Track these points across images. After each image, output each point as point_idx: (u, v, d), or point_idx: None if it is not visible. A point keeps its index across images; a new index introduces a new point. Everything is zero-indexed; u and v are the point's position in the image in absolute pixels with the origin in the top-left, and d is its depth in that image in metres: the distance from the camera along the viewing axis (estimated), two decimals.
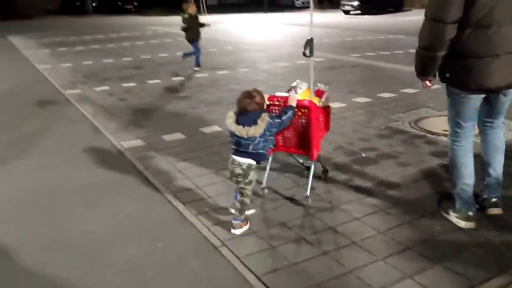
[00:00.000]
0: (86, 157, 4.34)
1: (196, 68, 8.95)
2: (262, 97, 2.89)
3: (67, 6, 32.48)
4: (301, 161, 3.73)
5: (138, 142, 4.70)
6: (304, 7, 35.74)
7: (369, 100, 6.19)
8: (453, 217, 2.90)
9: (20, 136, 5.08)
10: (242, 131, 2.73)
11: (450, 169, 2.98)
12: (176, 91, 7.23)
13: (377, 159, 4.07)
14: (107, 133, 5.04)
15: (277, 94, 3.23)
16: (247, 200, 2.92)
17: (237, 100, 2.84)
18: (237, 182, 2.89)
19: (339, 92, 6.48)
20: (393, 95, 6.33)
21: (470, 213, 2.84)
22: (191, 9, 8.97)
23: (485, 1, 2.41)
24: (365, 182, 3.58)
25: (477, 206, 2.94)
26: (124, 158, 4.29)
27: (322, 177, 3.64)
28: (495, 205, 2.94)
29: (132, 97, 6.80)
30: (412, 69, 2.90)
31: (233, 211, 2.90)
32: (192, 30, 8.96)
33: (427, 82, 2.81)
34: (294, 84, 3.29)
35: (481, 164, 2.98)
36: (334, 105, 5.50)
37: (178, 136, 4.89)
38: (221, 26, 20.17)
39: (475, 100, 2.70)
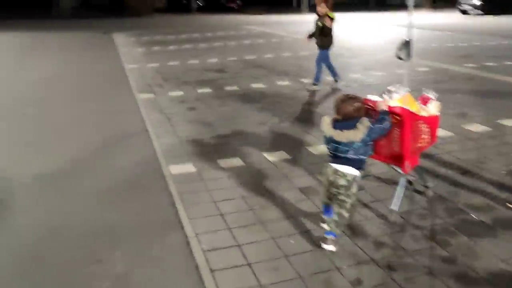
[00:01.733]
0: (118, 185, 3.77)
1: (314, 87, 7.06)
2: (364, 103, 2.72)
3: (174, 5, 33.81)
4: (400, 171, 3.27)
5: (188, 168, 4.02)
6: (416, 5, 32.97)
7: (486, 129, 4.84)
8: None
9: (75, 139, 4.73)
10: (341, 135, 2.60)
11: None
12: (252, 100, 6.48)
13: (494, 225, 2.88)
14: (159, 150, 4.45)
15: (369, 97, 2.96)
16: (345, 214, 2.71)
17: (336, 105, 2.69)
18: (336, 194, 2.68)
19: (444, 114, 5.17)
20: None
21: None
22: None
23: None
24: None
25: None
26: (164, 187, 3.63)
27: (422, 192, 3.33)
28: None
29: (203, 106, 6.19)
30: None
31: (325, 226, 2.73)
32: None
33: None
34: (391, 87, 2.96)
35: None
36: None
37: (235, 162, 4.12)
38: None
39: None
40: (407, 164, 2.97)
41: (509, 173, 3.71)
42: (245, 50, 12.06)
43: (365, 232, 2.91)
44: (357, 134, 2.57)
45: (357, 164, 2.65)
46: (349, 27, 18.90)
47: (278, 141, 4.69)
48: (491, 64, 8.81)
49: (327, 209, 2.77)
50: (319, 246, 2.72)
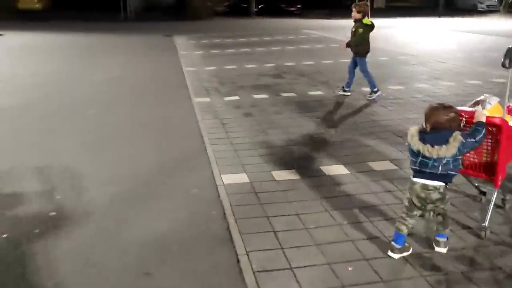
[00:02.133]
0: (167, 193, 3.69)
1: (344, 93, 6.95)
2: (458, 114, 2.56)
3: (234, 8, 34.21)
4: (476, 184, 3.28)
5: (241, 178, 3.88)
6: (489, 11, 31.17)
7: None
8: None
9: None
10: (432, 151, 2.45)
11: None
12: (309, 109, 6.26)
13: None
14: (212, 157, 4.35)
15: (460, 108, 2.74)
16: (449, 221, 2.72)
17: (428, 114, 2.53)
18: (434, 209, 2.62)
19: None
20: None
21: None
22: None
23: None
24: None
25: None
26: (216, 198, 3.51)
27: (502, 206, 3.22)
28: None
29: (259, 113, 6.05)
30: None
31: (393, 254, 2.66)
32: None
33: None
34: (481, 97, 2.89)
35: None
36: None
37: (290, 175, 3.92)
38: (382, 32, 18.48)
39: None
40: (500, 178, 2.85)
41: None
42: (303, 55, 11.83)
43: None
44: (449, 150, 2.43)
45: (445, 178, 2.54)
46: (415, 32, 18.09)
47: (336, 154, 4.44)
48: None
49: (399, 237, 2.66)
50: (381, 278, 2.47)
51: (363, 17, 6.68)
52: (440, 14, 28.48)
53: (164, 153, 4.64)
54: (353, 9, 6.73)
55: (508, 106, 2.89)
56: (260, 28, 22.05)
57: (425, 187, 2.54)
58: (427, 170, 2.51)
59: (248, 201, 3.43)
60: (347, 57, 10.95)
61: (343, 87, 7.02)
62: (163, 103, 6.84)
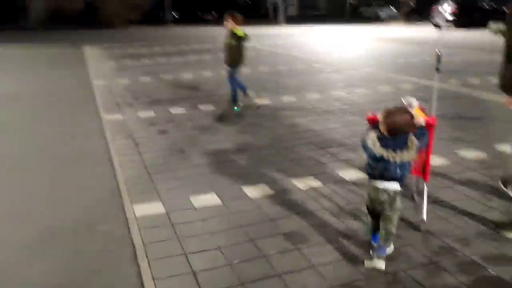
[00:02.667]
0: (68, 230, 3.20)
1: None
2: (413, 117, 2.61)
3: (149, 16, 33.20)
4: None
5: (156, 208, 3.47)
6: (390, 19, 33.42)
7: (483, 155, 4.48)
8: None
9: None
10: (396, 157, 2.54)
11: None
12: (230, 122, 5.99)
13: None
14: (123, 188, 3.88)
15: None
16: (393, 229, 2.68)
17: (390, 119, 2.54)
18: (380, 211, 2.68)
19: (437, 139, 4.81)
20: None
21: None
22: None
23: None
24: None
25: None
26: (126, 235, 3.08)
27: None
28: None
29: (175, 129, 5.65)
30: None
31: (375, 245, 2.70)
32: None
33: None
34: (405, 101, 2.90)
35: None
36: (432, 161, 3.89)
37: (210, 200, 3.59)
38: (296, 39, 18.90)
39: None
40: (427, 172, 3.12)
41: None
42: (221, 64, 11.54)
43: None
44: (411, 155, 2.55)
45: (401, 180, 2.63)
46: (327, 40, 18.71)
47: (259, 171, 4.20)
48: (476, 82, 8.58)
49: (374, 236, 2.79)
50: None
51: (235, 27, 6.56)
52: (346, 22, 29.93)
53: (64, 183, 4.08)
54: (228, 19, 6.57)
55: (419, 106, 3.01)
56: (176, 37, 21.54)
57: (377, 188, 2.64)
58: (387, 174, 2.59)
59: (163, 236, 3.04)
60: (265, 65, 10.99)
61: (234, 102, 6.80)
62: (66, 123, 6.17)
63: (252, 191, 3.73)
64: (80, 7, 34.03)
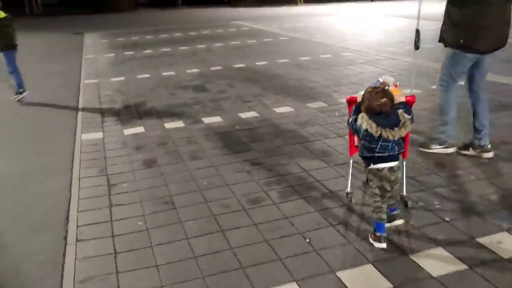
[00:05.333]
0: None
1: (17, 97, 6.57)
2: (390, 99, 2.56)
3: None
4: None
5: None
6: None
7: None
8: (439, 149, 3.93)
9: None
10: (394, 134, 2.51)
11: (439, 110, 3.92)
12: (239, 146, 4.51)
13: None
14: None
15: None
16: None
17: (371, 103, 2.54)
18: (389, 191, 2.68)
19: None
20: None
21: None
22: None
23: None
24: None
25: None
26: None
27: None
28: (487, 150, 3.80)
29: (168, 157, 4.20)
30: None
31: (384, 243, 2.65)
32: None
33: None
34: (382, 80, 2.78)
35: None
36: None
37: None
38: (320, 21, 17.05)
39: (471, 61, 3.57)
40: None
41: None
42: (233, 54, 10.04)
43: None
44: (406, 129, 2.52)
45: (397, 158, 2.65)
46: (353, 20, 16.78)
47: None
48: None
49: (380, 226, 2.68)
50: None
51: None
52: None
53: None
54: None
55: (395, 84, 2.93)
56: (185, 20, 19.91)
57: (391, 169, 2.60)
58: (389, 153, 2.58)
59: None
60: (286, 56, 9.39)
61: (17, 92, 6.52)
62: (28, 150, 4.78)
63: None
64: None
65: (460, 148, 3.94)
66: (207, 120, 5.29)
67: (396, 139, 2.53)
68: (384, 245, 2.63)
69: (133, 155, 4.31)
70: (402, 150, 2.70)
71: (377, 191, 2.67)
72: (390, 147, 2.56)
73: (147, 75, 8.05)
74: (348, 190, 3.23)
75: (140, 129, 5.06)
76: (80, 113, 5.81)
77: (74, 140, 4.79)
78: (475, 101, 3.78)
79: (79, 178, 3.81)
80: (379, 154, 2.58)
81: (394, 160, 2.62)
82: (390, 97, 2.54)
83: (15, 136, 5.18)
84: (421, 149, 3.99)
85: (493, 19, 3.40)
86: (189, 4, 30.63)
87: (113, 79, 7.83)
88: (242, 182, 3.63)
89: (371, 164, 2.65)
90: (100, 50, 11.56)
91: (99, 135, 4.92)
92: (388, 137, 2.50)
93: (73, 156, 4.32)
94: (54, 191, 3.68)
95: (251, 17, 20.07)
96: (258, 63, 8.72)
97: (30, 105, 6.46)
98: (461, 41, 3.48)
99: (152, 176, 3.84)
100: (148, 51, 11.00)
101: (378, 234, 2.66)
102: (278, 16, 20.30)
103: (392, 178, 2.62)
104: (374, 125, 2.50)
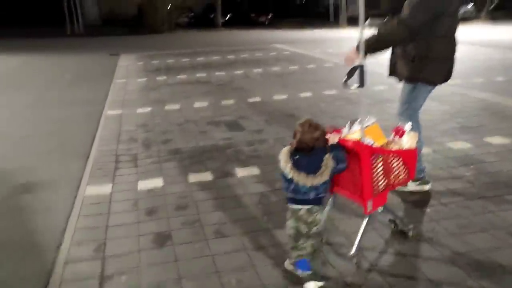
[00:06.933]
0: None
1: None
2: (324, 133, 2.41)
3: (199, 19, 31.44)
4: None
5: None
6: (466, 18, 29.38)
7: None
8: (413, 186, 3.54)
9: None
10: (306, 180, 2.33)
11: None
12: (281, 222, 3.44)
13: None
14: None
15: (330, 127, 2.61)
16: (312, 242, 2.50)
17: (295, 130, 2.39)
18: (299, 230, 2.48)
19: None
20: None
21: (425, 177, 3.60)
22: None
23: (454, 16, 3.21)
24: None
25: None
26: None
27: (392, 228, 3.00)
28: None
29: (189, 235, 3.19)
30: None
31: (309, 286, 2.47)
32: None
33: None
34: (356, 119, 2.66)
35: None
36: None
37: None
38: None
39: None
40: (369, 204, 2.60)
41: None
42: (273, 82, 9.08)
43: None
44: (323, 178, 2.35)
45: (316, 202, 2.44)
46: None
47: None
48: None
49: (303, 264, 2.51)
50: None
51: None
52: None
53: None
54: None
55: (398, 128, 2.81)
56: (224, 42, 19.28)
57: (310, 210, 2.43)
58: (299, 197, 2.41)
59: None
60: (332, 87, 8.30)
61: None
62: (21, 207, 3.90)
63: None
64: (133, 12, 33.04)
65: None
66: (241, 172, 4.26)
67: (308, 185, 2.35)
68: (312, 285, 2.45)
69: (142, 224, 3.32)
70: (322, 196, 2.45)
71: (291, 231, 2.51)
72: (303, 191, 2.38)
73: (177, 106, 7.17)
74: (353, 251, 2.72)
75: (157, 183, 4.09)
76: (92, 155, 4.93)
77: (75, 196, 3.87)
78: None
79: (64, 263, 2.84)
80: (293, 195, 2.43)
81: (305, 204, 2.43)
82: (323, 132, 2.39)
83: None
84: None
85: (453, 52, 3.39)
86: (229, 25, 30.29)
87: (138, 110, 6.99)
88: (288, 283, 2.54)
89: (292, 204, 2.49)
90: (132, 74, 10.90)
91: (107, 189, 3.98)
92: (299, 182, 2.35)
93: (66, 224, 3.37)
94: (26, 279, 2.72)
95: (292, 40, 19.20)
96: (301, 95, 7.69)
97: (36, 144, 5.67)
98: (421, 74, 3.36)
99: (163, 262, 2.82)
100: (182, 76, 10.23)
101: (300, 272, 2.51)
102: (320, 39, 19.35)
103: (309, 220, 2.44)
104: (290, 165, 2.36)
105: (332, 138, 2.50)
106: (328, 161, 2.35)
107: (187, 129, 5.86)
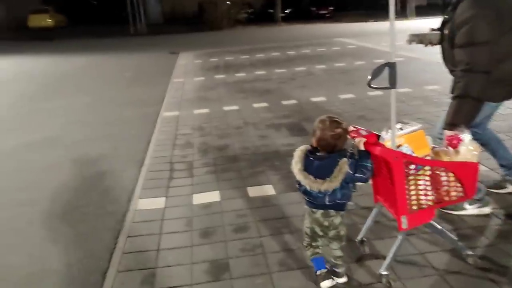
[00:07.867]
0: None
1: None
2: (346, 131, 2.22)
3: (259, 14, 31.09)
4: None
5: None
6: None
7: None
8: (473, 209, 2.98)
9: None
10: (313, 185, 2.14)
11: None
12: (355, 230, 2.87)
13: None
14: None
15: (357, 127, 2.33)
16: (339, 245, 2.34)
17: (315, 127, 2.20)
18: (323, 234, 2.33)
19: None
20: None
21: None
22: None
23: None
24: None
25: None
26: None
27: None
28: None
29: (252, 260, 2.74)
30: None
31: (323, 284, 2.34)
32: None
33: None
34: (399, 123, 2.35)
35: None
36: None
37: None
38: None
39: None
40: (403, 220, 2.26)
41: None
42: (337, 81, 8.42)
43: None
44: (332, 184, 2.12)
45: (335, 207, 2.23)
46: None
47: None
48: None
49: (318, 262, 2.38)
50: None
51: None
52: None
53: None
54: None
55: (452, 136, 2.39)
56: (284, 38, 18.70)
57: (326, 214, 2.26)
58: (314, 202, 2.24)
59: None
60: (406, 84, 7.47)
61: None
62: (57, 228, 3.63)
63: None
64: (194, 9, 33.41)
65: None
66: None
67: (315, 191, 2.15)
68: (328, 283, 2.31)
69: (196, 249, 2.90)
70: (345, 202, 2.24)
71: (307, 231, 2.36)
72: (314, 195, 2.19)
73: (236, 107, 6.77)
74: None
75: (214, 196, 3.67)
76: (146, 162, 4.62)
77: (125, 212, 3.53)
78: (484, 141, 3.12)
79: None
80: (305, 197, 2.28)
81: (324, 209, 2.23)
82: (346, 130, 2.20)
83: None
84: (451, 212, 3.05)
85: None
86: (289, 20, 29.69)
87: (196, 111, 6.66)
88: None
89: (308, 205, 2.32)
90: (191, 73, 10.67)
91: (160, 203, 3.62)
92: (306, 186, 2.16)
93: (114, 248, 3.02)
94: None
95: (356, 33, 18.24)
96: (370, 93, 6.98)
97: (89, 151, 5.47)
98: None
99: None
100: (241, 75, 9.84)
101: (318, 272, 2.35)
102: (385, 31, 18.18)
103: (326, 223, 2.27)
104: (299, 167, 2.17)
105: (359, 142, 2.23)
106: (343, 167, 2.11)
107: (245, 133, 5.41)
